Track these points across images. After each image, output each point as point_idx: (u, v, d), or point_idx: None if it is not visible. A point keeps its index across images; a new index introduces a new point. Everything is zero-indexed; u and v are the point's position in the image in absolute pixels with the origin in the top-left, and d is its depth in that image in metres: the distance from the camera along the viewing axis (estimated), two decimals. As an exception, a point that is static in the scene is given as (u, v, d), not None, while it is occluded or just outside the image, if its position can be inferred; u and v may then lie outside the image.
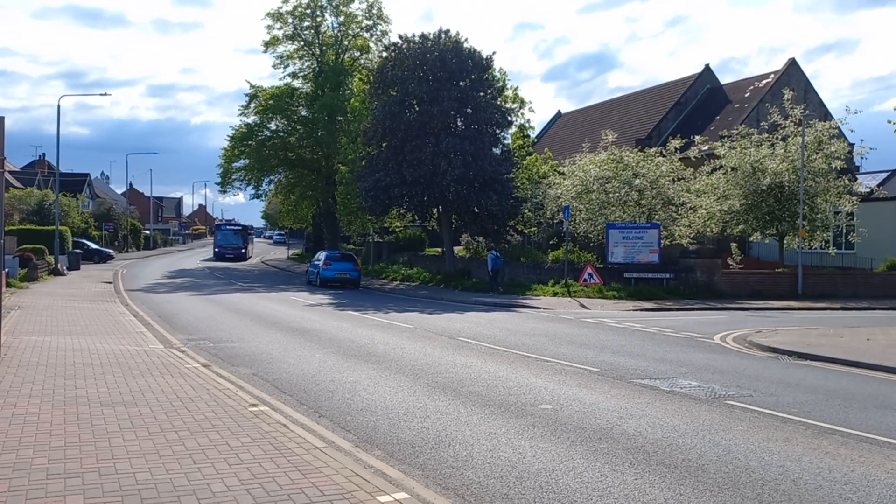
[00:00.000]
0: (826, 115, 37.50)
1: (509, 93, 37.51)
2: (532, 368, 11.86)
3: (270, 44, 51.96)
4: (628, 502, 5.69)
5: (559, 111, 61.46)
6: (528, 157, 38.85)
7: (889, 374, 11.81)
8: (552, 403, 9.15)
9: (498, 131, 35.70)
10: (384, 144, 34.64)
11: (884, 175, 37.92)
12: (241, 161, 51.69)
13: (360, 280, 34.05)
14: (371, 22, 51.73)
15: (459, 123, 34.41)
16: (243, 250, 62.70)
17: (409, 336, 15.79)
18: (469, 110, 34.03)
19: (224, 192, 55.91)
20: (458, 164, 31.91)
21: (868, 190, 31.56)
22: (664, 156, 31.54)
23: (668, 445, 7.28)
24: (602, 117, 51.05)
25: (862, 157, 33.67)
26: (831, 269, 31.11)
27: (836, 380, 11.30)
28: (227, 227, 67.27)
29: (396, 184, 32.84)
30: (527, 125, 40.83)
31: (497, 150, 35.34)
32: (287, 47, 52.29)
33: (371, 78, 37.81)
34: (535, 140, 52.08)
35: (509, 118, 35.91)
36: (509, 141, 38.17)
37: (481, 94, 34.41)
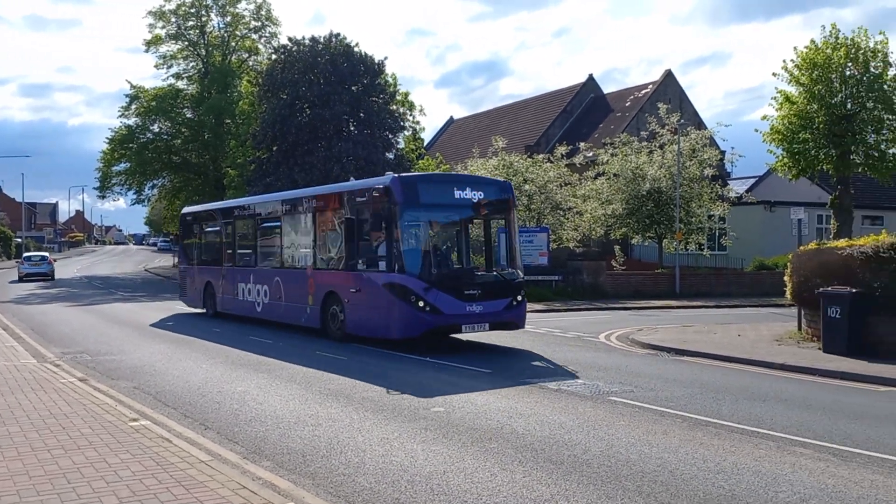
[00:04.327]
0: (700, 124, 39.73)
1: (401, 98, 37.67)
2: (427, 371, 11.93)
3: (152, 43, 49.97)
4: (517, 500, 5.82)
5: (451, 117, 62.21)
6: (420, 162, 39.10)
7: (757, 368, 12.63)
8: (444, 406, 9.23)
9: (391, 136, 35.77)
10: (275, 148, 34.00)
11: (752, 181, 40.52)
12: (122, 164, 49.42)
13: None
14: (259, 23, 50.68)
15: (352, 128, 34.25)
16: None
17: (302, 342, 15.53)
18: (362, 115, 33.94)
19: (103, 196, 53.02)
20: (351, 168, 31.70)
21: (738, 195, 33.66)
22: (552, 162, 32.54)
23: (554, 442, 7.50)
24: (493, 124, 52.03)
25: (732, 164, 35.96)
26: (706, 269, 32.96)
27: (710, 374, 11.98)
28: None
29: (288, 188, 32.27)
30: (419, 130, 41.14)
31: (391, 155, 35.38)
32: (170, 47, 50.46)
33: (260, 80, 37.04)
34: (429, 145, 52.47)
35: (402, 123, 36.09)
36: (403, 146, 38.28)
37: (374, 98, 34.37)
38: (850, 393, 10.48)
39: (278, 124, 32.82)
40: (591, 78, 49.21)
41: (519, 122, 50.34)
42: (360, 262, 14.73)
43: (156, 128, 49.57)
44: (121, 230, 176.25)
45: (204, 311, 21.65)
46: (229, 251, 20.83)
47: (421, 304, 13.37)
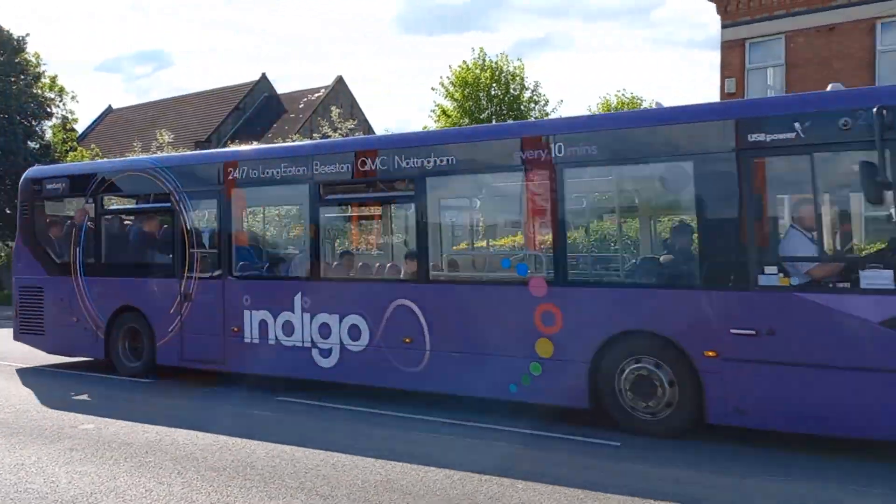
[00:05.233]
0: (370, 131, 41.69)
1: (48, 81, 33.59)
2: (72, 383, 10.78)
3: None
4: (174, 513, 5.56)
5: (110, 106, 56.92)
6: (71, 154, 35.22)
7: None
8: (95, 422, 8.45)
9: (35, 123, 31.71)
10: None
11: (416, 186, 43.58)
12: None
13: None
14: None
15: (-17, 111, 29.65)
16: None
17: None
18: (-4, 97, 29.55)
19: None
20: (-19, 157, 27.45)
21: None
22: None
23: (218, 448, 7.30)
24: (159, 116, 48.85)
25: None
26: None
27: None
28: None
29: None
30: (72, 119, 37.03)
31: (34, 145, 31.35)
32: None
33: None
34: (83, 135, 47.47)
35: (48, 109, 32.18)
36: (50, 135, 34.14)
37: (12, 79, 30.16)
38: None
39: None
40: (264, 77, 48.66)
41: (187, 116, 47.90)
42: (766, 267, 7.07)
43: None
44: None
45: (89, 358, 12.34)
46: (209, 249, 10.96)
47: None
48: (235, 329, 10.32)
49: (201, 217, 11.33)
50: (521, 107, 26.94)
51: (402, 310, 9.07)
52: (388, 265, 10.38)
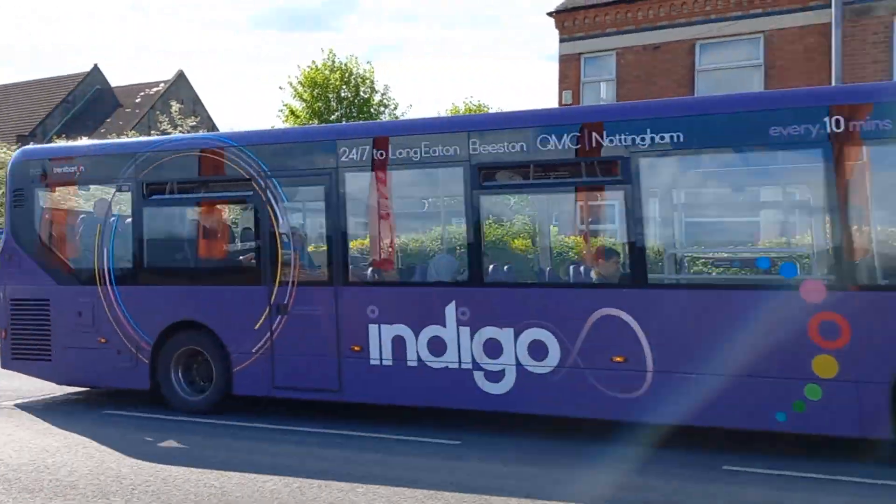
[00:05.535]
0: (213, 128, 40.16)
1: None
2: None
3: None
4: (-21, 542, 5.09)
5: (-85, 94, 51.14)
6: None
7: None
8: None
9: None
10: None
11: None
12: None
13: None
14: None
15: None
16: None
17: None
18: None
19: None
20: None
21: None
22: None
23: (34, 468, 6.75)
24: (-26, 107, 44.59)
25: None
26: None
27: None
28: None
29: None
30: None
31: None
32: None
33: None
34: None
35: None
36: None
37: None
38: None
39: None
40: (96, 68, 45.65)
41: (8, 108, 43.99)
42: None
43: None
44: None
45: (109, 386, 9.74)
46: (315, 248, 9.24)
47: None
48: (356, 348, 8.24)
49: (301, 209, 9.23)
50: (372, 109, 26.99)
51: (608, 321, 7.27)
52: (572, 266, 8.50)
